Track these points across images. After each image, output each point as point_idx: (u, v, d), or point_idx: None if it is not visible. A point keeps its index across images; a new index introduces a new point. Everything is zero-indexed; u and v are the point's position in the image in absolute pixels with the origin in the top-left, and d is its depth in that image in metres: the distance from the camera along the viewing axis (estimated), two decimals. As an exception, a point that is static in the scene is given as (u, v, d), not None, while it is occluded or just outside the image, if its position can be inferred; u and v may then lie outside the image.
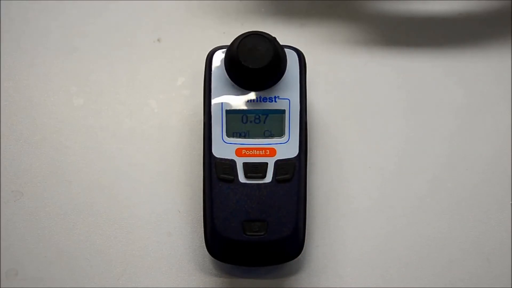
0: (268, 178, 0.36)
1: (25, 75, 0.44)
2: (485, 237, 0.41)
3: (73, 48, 0.45)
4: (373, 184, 0.42)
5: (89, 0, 0.46)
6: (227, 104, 0.37)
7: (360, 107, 0.44)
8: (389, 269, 0.40)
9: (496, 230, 0.41)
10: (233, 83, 0.37)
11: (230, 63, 0.36)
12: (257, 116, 0.37)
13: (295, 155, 0.37)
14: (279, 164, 0.36)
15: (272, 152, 0.37)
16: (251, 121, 0.37)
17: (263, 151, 0.37)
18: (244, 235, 0.36)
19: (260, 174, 0.36)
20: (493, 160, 0.42)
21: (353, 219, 0.40)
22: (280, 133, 0.37)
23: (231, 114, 0.37)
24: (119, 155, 0.42)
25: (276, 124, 0.37)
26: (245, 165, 0.36)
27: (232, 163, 0.36)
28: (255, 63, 0.35)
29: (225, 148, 0.37)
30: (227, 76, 0.37)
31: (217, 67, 0.37)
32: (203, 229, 0.38)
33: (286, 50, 0.38)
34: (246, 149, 0.37)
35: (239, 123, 0.37)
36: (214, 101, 0.37)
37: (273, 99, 0.37)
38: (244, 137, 0.37)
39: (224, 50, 0.38)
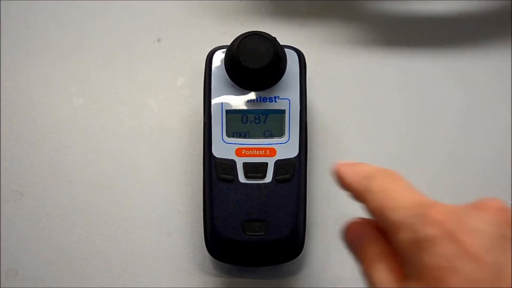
0: (268, 178, 0.36)
1: (25, 75, 0.44)
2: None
3: (73, 48, 0.45)
4: (373, 184, 0.41)
5: (89, 0, 0.46)
6: (227, 104, 0.37)
7: (360, 107, 0.44)
8: (389, 269, 0.40)
9: (496, 230, 0.41)
10: (233, 83, 0.37)
11: (230, 63, 0.36)
12: (257, 116, 0.37)
13: (295, 155, 0.37)
14: (279, 164, 0.36)
15: (272, 152, 0.37)
16: (251, 121, 0.37)
17: (263, 151, 0.37)
18: (244, 235, 0.36)
19: (260, 174, 0.36)
20: (493, 160, 0.42)
21: (353, 219, 0.40)
22: (280, 133, 0.37)
23: (231, 114, 0.37)
24: (119, 155, 0.42)
25: (276, 124, 0.37)
26: (245, 165, 0.36)
27: (232, 163, 0.36)
28: (255, 63, 0.35)
29: (225, 148, 0.37)
30: (227, 76, 0.37)
31: (217, 67, 0.37)
32: (203, 229, 0.38)
33: (286, 50, 0.38)
34: (246, 149, 0.37)
35: (239, 123, 0.37)
36: (214, 101, 0.37)
37: (273, 99, 0.37)
38: (244, 137, 0.37)
39: (224, 50, 0.38)
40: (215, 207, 0.36)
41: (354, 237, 0.29)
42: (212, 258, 0.38)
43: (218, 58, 0.38)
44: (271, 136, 0.37)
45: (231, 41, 0.37)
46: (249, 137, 0.37)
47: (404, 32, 0.46)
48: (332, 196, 0.41)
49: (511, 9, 0.46)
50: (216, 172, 0.36)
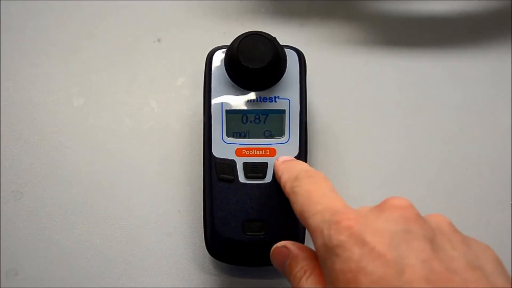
0: (268, 178, 0.36)
1: (25, 75, 0.44)
2: (485, 237, 0.41)
3: (73, 48, 0.45)
4: (373, 184, 0.42)
5: (90, 0, 0.46)
6: (227, 104, 0.37)
7: (360, 107, 0.44)
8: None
9: (496, 230, 0.41)
10: (233, 83, 0.37)
11: (230, 63, 0.36)
12: (257, 116, 0.37)
13: (295, 155, 0.37)
14: (279, 164, 0.36)
15: (272, 152, 0.37)
16: (251, 121, 0.37)
17: (263, 151, 0.37)
18: (244, 235, 0.36)
19: (260, 174, 0.36)
20: (493, 160, 0.43)
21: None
22: (280, 133, 0.37)
23: (231, 114, 0.37)
24: (119, 155, 0.42)
25: (276, 124, 0.37)
26: (245, 165, 0.36)
27: (232, 163, 0.36)
28: (255, 63, 0.35)
29: (225, 148, 0.37)
30: (227, 76, 0.37)
31: (217, 67, 0.37)
32: (203, 229, 0.38)
33: (286, 50, 0.38)
34: (246, 149, 0.37)
35: (239, 123, 0.37)
36: (214, 101, 0.37)
37: (273, 99, 0.37)
38: (244, 137, 0.37)
39: (224, 50, 0.38)
40: (215, 207, 0.36)
41: (279, 260, 0.31)
42: (212, 258, 0.38)
43: (218, 58, 0.38)
44: (271, 136, 0.37)
45: (231, 41, 0.37)
46: (249, 137, 0.37)
47: (404, 32, 0.46)
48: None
49: (511, 9, 0.46)
50: (216, 172, 0.36)
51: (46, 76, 0.44)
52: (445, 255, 0.24)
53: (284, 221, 0.36)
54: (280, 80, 0.37)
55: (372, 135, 0.43)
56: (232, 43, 0.37)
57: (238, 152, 0.37)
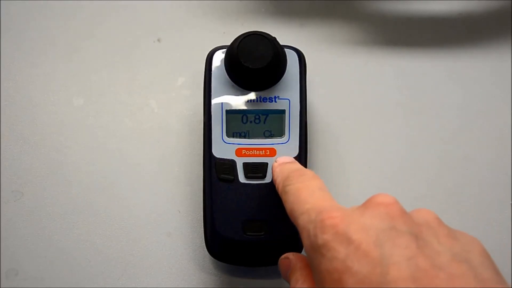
0: (268, 178, 0.36)
1: (25, 75, 0.44)
2: (485, 237, 0.41)
3: (73, 48, 0.45)
4: (373, 184, 0.42)
5: (89, 0, 0.46)
6: (227, 104, 0.37)
7: (360, 107, 0.44)
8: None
9: (496, 230, 0.41)
10: (233, 83, 0.37)
11: (230, 63, 0.36)
12: (257, 116, 0.37)
13: (295, 155, 0.37)
14: (279, 164, 0.36)
15: (272, 152, 0.37)
16: (251, 121, 0.37)
17: (263, 151, 0.37)
18: (244, 235, 0.36)
19: (260, 174, 0.36)
20: (493, 160, 0.43)
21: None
22: (280, 133, 0.37)
23: (231, 114, 0.37)
24: (119, 155, 0.42)
25: (276, 124, 0.37)
26: (245, 165, 0.36)
27: (232, 163, 0.36)
28: (255, 63, 0.35)
29: (225, 148, 0.37)
30: (227, 76, 0.37)
31: (217, 67, 0.37)
32: (203, 229, 0.38)
33: (286, 50, 0.38)
34: (246, 149, 0.37)
35: (239, 123, 0.37)
36: (214, 101, 0.37)
37: (273, 99, 0.37)
38: (244, 137, 0.37)
39: (224, 50, 0.38)
40: (215, 207, 0.36)
41: (284, 271, 0.31)
42: (212, 258, 0.38)
43: (218, 58, 0.38)
44: (271, 136, 0.37)
45: (231, 41, 0.37)
46: (249, 137, 0.37)
47: (404, 32, 0.46)
48: (332, 196, 0.41)
49: (511, 9, 0.46)
50: (216, 172, 0.36)
51: (46, 76, 0.44)
52: (430, 250, 0.24)
53: (284, 221, 0.36)
54: (280, 80, 0.37)
55: (372, 135, 0.43)
56: (232, 43, 0.37)
57: (238, 152, 0.37)
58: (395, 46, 0.45)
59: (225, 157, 0.36)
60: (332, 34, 0.45)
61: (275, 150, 0.37)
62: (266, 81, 0.37)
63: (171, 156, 0.42)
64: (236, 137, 0.37)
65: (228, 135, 0.37)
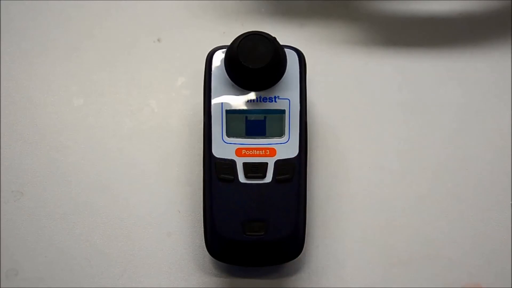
0: (268, 178, 0.36)
1: (25, 75, 0.44)
2: (485, 237, 0.41)
3: (73, 48, 0.45)
4: (373, 184, 0.42)
5: (89, 0, 0.46)
6: (227, 104, 0.37)
7: (360, 107, 0.44)
8: (389, 269, 0.40)
9: (496, 230, 0.41)
10: (233, 83, 0.37)
11: (230, 63, 0.36)
12: (257, 116, 0.37)
13: (295, 155, 0.37)
14: (279, 164, 0.36)
15: (272, 152, 0.37)
16: (251, 121, 0.37)
17: (263, 151, 0.37)
18: (244, 235, 0.36)
19: (260, 174, 0.36)
20: (493, 160, 0.42)
21: (353, 219, 0.40)
22: (280, 133, 0.37)
23: (231, 114, 0.37)
24: (119, 155, 0.42)
25: (276, 124, 0.37)
26: (245, 165, 0.36)
27: (232, 163, 0.36)
28: (255, 63, 0.35)
29: (225, 148, 0.37)
30: (227, 76, 0.37)
31: (217, 67, 0.37)
32: (203, 229, 0.38)
33: (286, 50, 0.37)
34: (246, 149, 0.37)
35: (239, 123, 0.37)
36: (214, 101, 0.37)
37: (273, 99, 0.37)
38: (244, 137, 0.37)
39: (224, 50, 0.38)
40: (215, 207, 0.36)
41: None
42: (212, 258, 0.38)
43: (218, 58, 0.38)
44: (271, 136, 0.37)
45: (231, 41, 0.37)
46: (249, 137, 0.37)
47: (404, 32, 0.46)
48: (332, 196, 0.41)
49: (511, 9, 0.46)
50: (216, 172, 0.36)
51: (46, 76, 0.44)
52: None
53: (284, 221, 0.36)
54: (280, 80, 0.37)
55: (372, 135, 0.43)
56: (232, 43, 0.36)
57: (238, 152, 0.37)
58: (395, 46, 0.45)
59: (225, 157, 0.36)
60: (332, 34, 0.45)
61: (275, 150, 0.37)
62: (266, 81, 0.37)
63: (171, 156, 0.42)
64: (236, 137, 0.37)
65: (228, 135, 0.37)
